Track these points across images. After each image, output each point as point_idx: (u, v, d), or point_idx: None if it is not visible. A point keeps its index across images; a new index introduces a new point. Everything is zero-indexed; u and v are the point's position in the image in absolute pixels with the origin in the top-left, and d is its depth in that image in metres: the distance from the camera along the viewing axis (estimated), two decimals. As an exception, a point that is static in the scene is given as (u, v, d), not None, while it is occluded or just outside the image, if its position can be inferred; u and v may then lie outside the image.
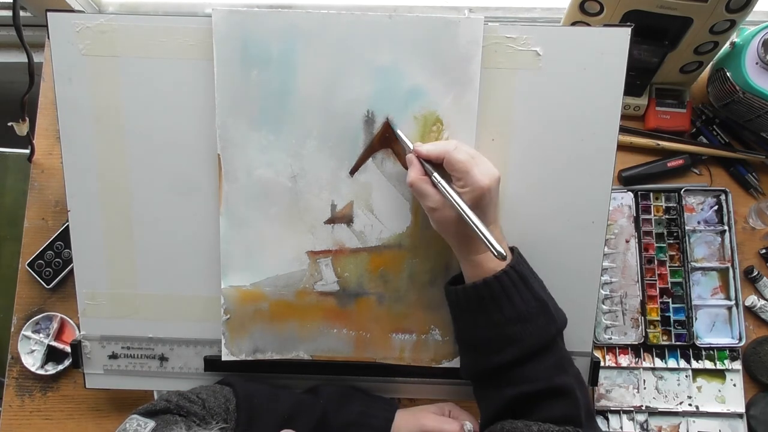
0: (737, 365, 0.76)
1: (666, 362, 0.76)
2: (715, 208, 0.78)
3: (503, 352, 0.52)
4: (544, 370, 0.52)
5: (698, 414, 0.76)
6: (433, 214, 0.53)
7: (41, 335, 0.75)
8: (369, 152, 0.59)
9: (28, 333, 0.75)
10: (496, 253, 0.47)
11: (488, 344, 0.53)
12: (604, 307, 0.76)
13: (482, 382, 0.56)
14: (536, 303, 0.52)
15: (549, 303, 0.53)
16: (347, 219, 0.61)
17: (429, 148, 0.53)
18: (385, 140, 0.58)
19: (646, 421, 0.76)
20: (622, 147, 0.78)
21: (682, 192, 0.78)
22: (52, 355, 0.75)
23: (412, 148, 0.54)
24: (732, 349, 0.76)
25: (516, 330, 0.51)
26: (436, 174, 0.52)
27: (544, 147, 0.60)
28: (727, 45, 0.72)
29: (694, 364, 0.76)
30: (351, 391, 0.64)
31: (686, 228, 0.77)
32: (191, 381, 0.65)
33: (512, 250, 0.56)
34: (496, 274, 0.52)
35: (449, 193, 0.51)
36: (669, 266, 0.77)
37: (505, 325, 0.51)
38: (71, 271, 0.72)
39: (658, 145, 0.79)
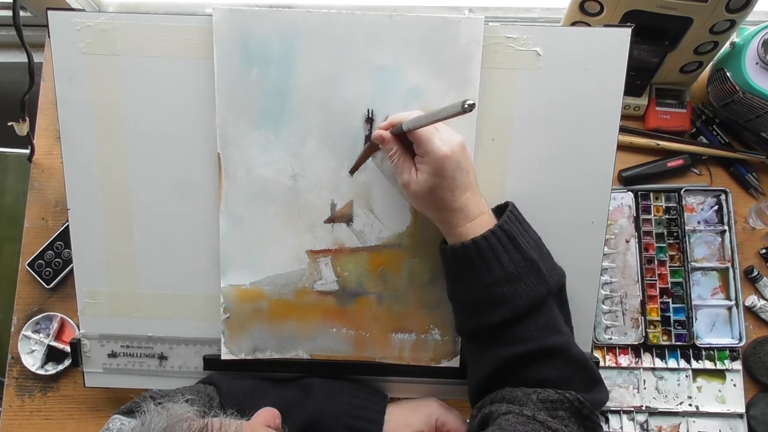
0: (737, 365, 0.76)
1: (666, 362, 0.76)
2: (715, 208, 0.78)
3: (492, 313, 0.52)
4: (535, 330, 0.51)
5: (698, 414, 0.76)
6: (410, 187, 0.52)
7: (41, 335, 0.75)
8: (369, 151, 0.59)
9: (28, 333, 0.75)
10: (462, 108, 0.41)
11: (478, 305, 0.53)
12: (604, 307, 0.76)
13: (474, 341, 0.56)
14: (525, 263, 0.51)
15: (540, 262, 0.52)
16: (347, 218, 0.61)
17: (396, 117, 0.54)
18: (385, 139, 0.58)
19: (646, 421, 0.75)
20: (622, 147, 0.78)
21: (682, 192, 0.78)
22: (52, 355, 0.75)
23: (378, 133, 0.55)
24: (732, 349, 0.76)
25: (505, 291, 0.51)
26: (404, 123, 0.52)
27: (544, 147, 0.60)
28: (727, 45, 0.72)
29: (694, 364, 0.76)
30: (339, 384, 0.63)
31: (686, 228, 0.77)
32: (190, 380, 0.65)
33: (505, 206, 0.56)
34: (484, 233, 0.51)
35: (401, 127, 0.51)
36: (669, 266, 0.77)
37: (494, 285, 0.51)
38: (71, 271, 0.72)
39: (658, 145, 0.79)
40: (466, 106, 0.41)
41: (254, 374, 0.64)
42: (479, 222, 0.52)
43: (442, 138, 0.50)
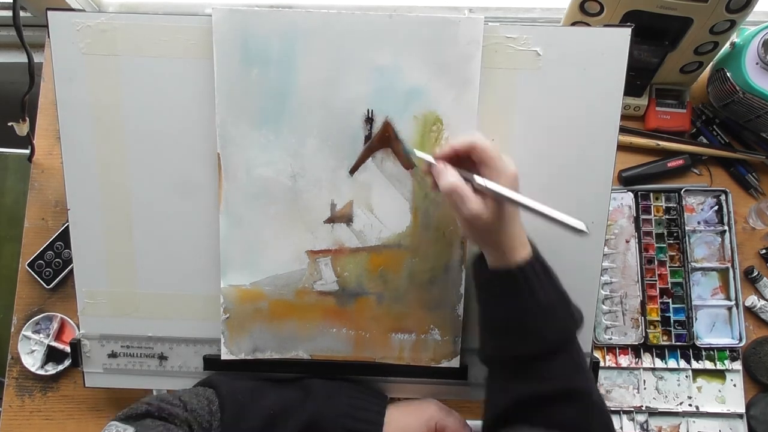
0: (737, 365, 0.76)
1: (666, 362, 0.76)
2: (715, 208, 0.78)
3: (526, 343, 0.50)
4: (564, 368, 0.50)
5: (698, 414, 0.76)
6: (474, 222, 0.48)
7: (41, 335, 0.75)
8: (369, 152, 0.59)
9: (28, 333, 0.75)
10: (587, 230, 0.46)
11: (512, 333, 0.51)
12: (604, 307, 0.76)
13: (499, 371, 0.55)
14: (557, 296, 0.51)
15: (569, 298, 0.52)
16: (347, 218, 0.61)
17: (458, 141, 0.50)
18: (384, 140, 0.58)
19: (646, 421, 0.76)
20: (622, 147, 0.79)
21: (682, 192, 0.78)
22: (52, 355, 0.75)
23: (433, 160, 0.51)
24: (732, 350, 0.76)
25: (540, 323, 0.50)
26: (478, 178, 0.48)
27: (544, 147, 0.60)
28: (727, 45, 0.72)
29: (694, 365, 0.76)
30: (339, 384, 0.63)
31: (686, 228, 0.77)
32: (190, 380, 0.64)
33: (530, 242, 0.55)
34: (528, 260, 0.50)
35: (498, 190, 0.47)
36: (669, 266, 0.77)
37: (532, 314, 0.50)
38: (71, 271, 0.72)
39: (658, 145, 0.79)
40: (579, 229, 0.46)
41: (254, 375, 0.64)
42: (525, 247, 0.51)
43: (507, 157, 0.49)
